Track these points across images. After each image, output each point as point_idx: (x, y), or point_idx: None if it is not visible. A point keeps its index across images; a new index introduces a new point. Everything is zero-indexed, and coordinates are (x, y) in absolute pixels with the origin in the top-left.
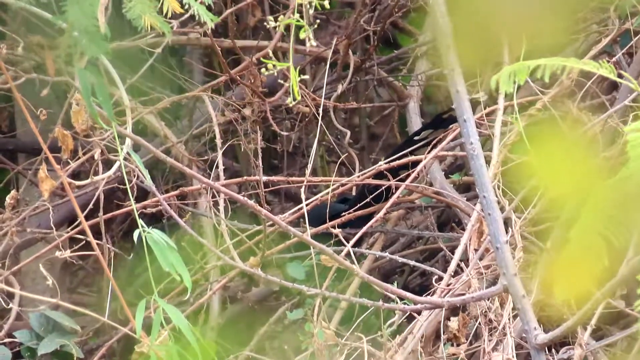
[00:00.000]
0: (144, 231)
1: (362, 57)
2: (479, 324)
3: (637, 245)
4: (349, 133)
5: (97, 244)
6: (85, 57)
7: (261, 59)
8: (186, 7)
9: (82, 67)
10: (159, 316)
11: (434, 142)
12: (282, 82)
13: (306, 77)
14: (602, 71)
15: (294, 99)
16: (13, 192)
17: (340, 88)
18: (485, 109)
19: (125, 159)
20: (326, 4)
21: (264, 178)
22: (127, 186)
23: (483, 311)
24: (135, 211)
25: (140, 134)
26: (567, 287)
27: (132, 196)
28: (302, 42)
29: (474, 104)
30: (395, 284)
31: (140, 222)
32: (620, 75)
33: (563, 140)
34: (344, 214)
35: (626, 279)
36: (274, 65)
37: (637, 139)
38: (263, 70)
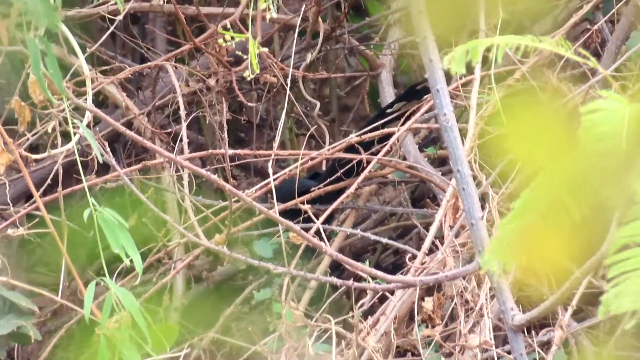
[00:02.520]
0: (94, 209)
1: (332, 25)
2: (455, 304)
3: (619, 222)
4: (318, 104)
5: (54, 220)
6: (40, 26)
7: (219, 29)
8: None
9: (39, 35)
10: (110, 299)
11: (408, 114)
12: (239, 53)
13: (265, 49)
14: (559, 49)
15: (252, 72)
16: None
17: (309, 57)
18: (461, 79)
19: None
20: None
21: (230, 151)
22: (79, 161)
23: (459, 291)
24: (86, 188)
25: (101, 105)
26: (521, 250)
27: (93, 170)
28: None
29: (449, 74)
30: (367, 262)
31: (90, 199)
32: (601, 45)
33: (541, 112)
34: (313, 189)
35: (605, 258)
36: (232, 37)
37: (591, 121)
38: (221, 41)
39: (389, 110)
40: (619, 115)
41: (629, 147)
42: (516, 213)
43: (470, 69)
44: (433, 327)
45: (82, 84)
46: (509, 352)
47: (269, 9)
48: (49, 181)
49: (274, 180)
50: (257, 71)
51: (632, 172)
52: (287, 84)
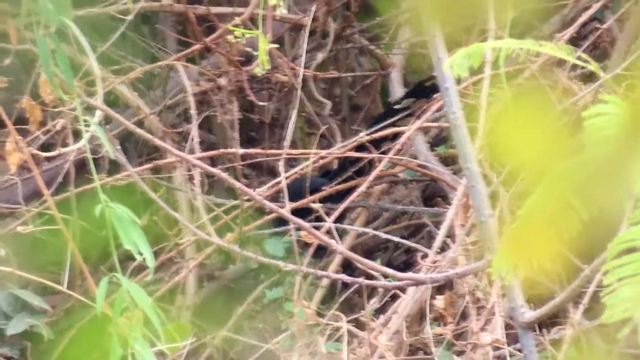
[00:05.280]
0: (106, 206)
1: (342, 25)
2: (467, 302)
3: (628, 220)
4: (329, 104)
5: (65, 219)
6: (51, 24)
7: (230, 27)
8: None
9: (50, 33)
10: (122, 295)
11: (418, 113)
12: (250, 50)
13: (275, 45)
14: (560, 53)
15: (263, 69)
16: None
17: (320, 57)
18: (470, 77)
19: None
20: None
21: (241, 151)
22: (91, 159)
23: (470, 289)
24: (98, 185)
25: (112, 105)
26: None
27: (104, 170)
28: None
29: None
30: (379, 261)
31: (102, 196)
32: (611, 43)
33: (548, 113)
34: (324, 188)
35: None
36: (242, 34)
37: (595, 124)
38: (231, 37)
39: (396, 107)
40: (620, 119)
41: (628, 150)
42: (525, 214)
43: (480, 68)
44: (445, 325)
45: (93, 83)
46: (520, 350)
47: (279, 5)
48: (60, 180)
49: (285, 179)
50: (268, 67)
51: (633, 175)
52: (298, 84)
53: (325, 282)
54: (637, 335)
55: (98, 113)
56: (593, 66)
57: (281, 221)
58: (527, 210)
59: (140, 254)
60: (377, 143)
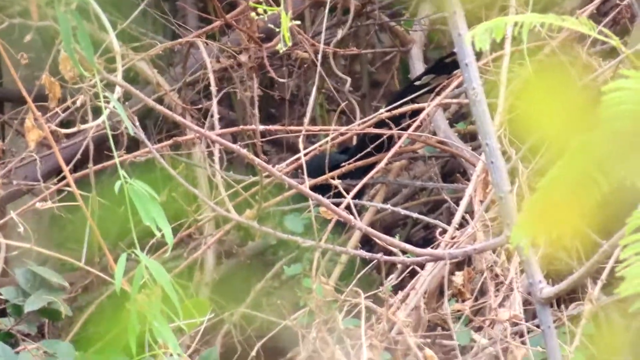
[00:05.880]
0: (125, 182)
1: (362, 1)
2: (485, 278)
3: None
4: (349, 80)
5: (84, 196)
6: (72, 1)
7: (251, 3)
8: None
9: (71, 10)
10: (141, 271)
11: (438, 89)
12: (272, 27)
13: (297, 22)
14: (582, 28)
15: (285, 45)
16: None
17: (340, 33)
18: (491, 54)
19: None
20: None
21: (261, 127)
22: (110, 135)
23: (489, 265)
24: (117, 162)
25: (132, 82)
26: (550, 224)
27: (123, 146)
28: None
29: (480, 50)
30: (398, 237)
31: (122, 172)
32: (631, 20)
33: (569, 88)
34: (344, 164)
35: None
36: (265, 10)
37: (614, 99)
38: (253, 14)
39: (417, 83)
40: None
41: None
42: (545, 187)
43: (501, 44)
44: (463, 301)
45: (113, 60)
46: (538, 326)
47: None
48: (79, 156)
49: (305, 155)
50: (289, 44)
51: None
52: (317, 60)
53: (343, 258)
54: None
55: (118, 90)
56: (615, 41)
57: (300, 197)
58: (547, 182)
59: (159, 230)
60: (396, 119)
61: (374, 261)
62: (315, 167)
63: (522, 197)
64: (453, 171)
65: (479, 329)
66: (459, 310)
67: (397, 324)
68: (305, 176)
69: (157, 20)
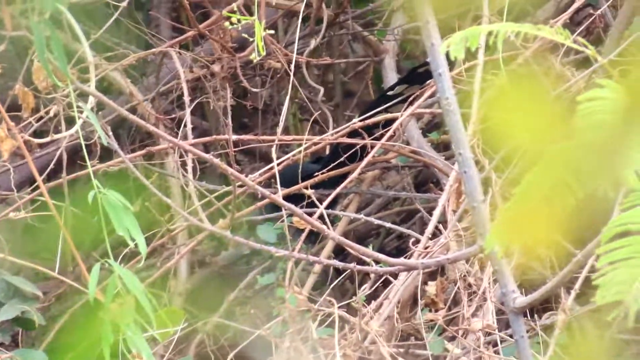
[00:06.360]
0: (99, 192)
1: (336, 11)
2: (458, 288)
3: (620, 205)
4: (322, 90)
5: (58, 205)
6: (44, 10)
7: (225, 13)
8: None
9: (44, 20)
10: (114, 281)
11: (411, 99)
12: (246, 36)
13: (271, 32)
14: (557, 37)
15: (259, 55)
16: None
17: (313, 43)
18: (464, 64)
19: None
20: None
21: (234, 137)
22: (83, 145)
23: (462, 275)
24: (91, 172)
25: (105, 92)
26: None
27: (96, 156)
28: None
29: (453, 60)
30: (371, 246)
31: (95, 182)
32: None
33: (542, 98)
34: (317, 174)
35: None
36: (238, 20)
37: (589, 108)
38: (227, 24)
39: (390, 93)
40: (615, 104)
41: (622, 135)
42: (518, 196)
43: (474, 54)
44: (436, 311)
45: (86, 70)
46: (511, 336)
47: None
48: (52, 166)
49: (278, 165)
50: (263, 53)
51: (625, 160)
52: (290, 70)
53: (317, 268)
54: (628, 319)
55: (91, 99)
56: (590, 50)
57: (273, 207)
58: (521, 191)
59: (133, 239)
60: (369, 129)
61: (347, 271)
62: (288, 177)
63: (495, 206)
64: (426, 181)
65: (452, 338)
66: (432, 320)
67: (370, 333)
68: (279, 186)
69: (131, 30)
